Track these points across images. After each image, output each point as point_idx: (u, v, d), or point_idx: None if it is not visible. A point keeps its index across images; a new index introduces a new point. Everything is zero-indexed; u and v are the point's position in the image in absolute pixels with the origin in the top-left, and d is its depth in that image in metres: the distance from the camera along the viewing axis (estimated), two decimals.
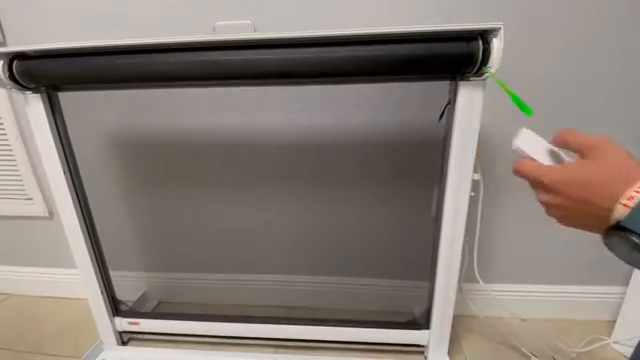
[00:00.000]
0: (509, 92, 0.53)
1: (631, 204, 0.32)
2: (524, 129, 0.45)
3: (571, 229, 0.40)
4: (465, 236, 0.76)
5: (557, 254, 0.99)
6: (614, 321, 0.97)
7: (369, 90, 0.82)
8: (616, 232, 0.34)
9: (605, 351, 0.93)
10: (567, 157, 0.42)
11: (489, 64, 0.58)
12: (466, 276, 0.89)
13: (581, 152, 0.39)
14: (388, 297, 1.02)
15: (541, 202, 0.42)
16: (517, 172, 0.43)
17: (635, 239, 0.32)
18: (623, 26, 0.78)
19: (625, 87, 0.83)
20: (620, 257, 0.36)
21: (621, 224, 0.33)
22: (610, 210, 0.34)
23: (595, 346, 0.91)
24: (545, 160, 0.43)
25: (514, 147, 0.45)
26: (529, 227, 0.97)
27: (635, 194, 0.33)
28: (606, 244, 0.36)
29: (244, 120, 0.88)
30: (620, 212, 0.33)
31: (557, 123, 0.60)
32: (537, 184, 0.41)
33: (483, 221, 0.83)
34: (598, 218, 0.35)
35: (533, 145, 0.44)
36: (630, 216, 0.33)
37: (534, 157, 0.43)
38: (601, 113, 0.85)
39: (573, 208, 0.38)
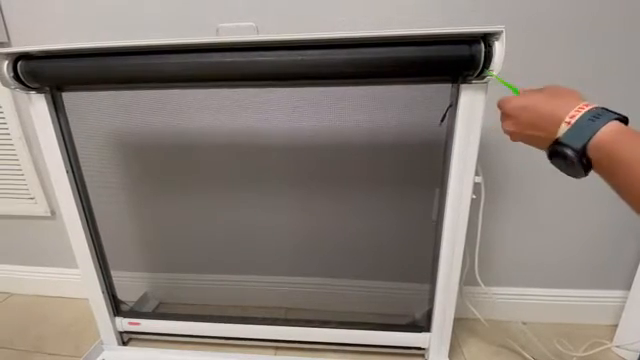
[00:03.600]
0: (515, 91, 0.53)
1: (572, 121, 0.40)
2: None
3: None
4: (466, 239, 0.76)
5: (559, 257, 0.99)
6: (616, 325, 0.96)
7: (371, 92, 0.82)
8: (554, 147, 0.42)
9: (606, 355, 0.93)
10: None
11: (491, 67, 0.59)
12: (467, 279, 0.89)
13: None
14: (389, 299, 1.02)
15: (504, 129, 0.51)
16: (498, 105, 0.53)
17: (567, 151, 0.39)
18: (629, 23, 0.78)
19: (631, 84, 0.82)
20: (561, 170, 0.43)
21: (559, 139, 0.41)
22: (552, 131, 0.41)
23: (596, 350, 0.90)
24: None
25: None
26: (531, 230, 0.97)
27: (576, 113, 0.40)
28: (550, 160, 0.44)
29: (246, 121, 0.88)
30: (562, 129, 0.40)
31: None
32: (502, 113, 0.51)
33: (484, 224, 0.83)
34: (543, 138, 0.43)
35: None
36: (568, 132, 0.40)
37: None
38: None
39: (523, 132, 0.47)
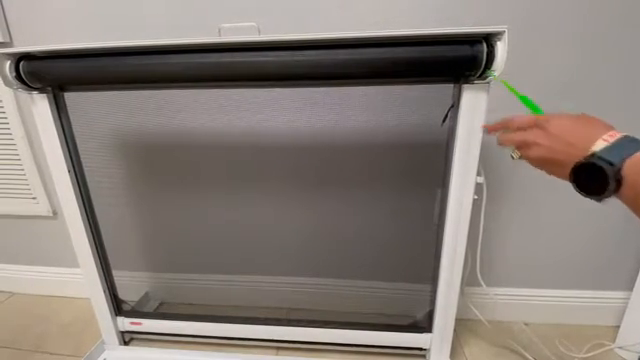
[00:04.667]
0: (517, 94, 0.53)
1: (611, 139, 0.41)
2: None
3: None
4: (468, 239, 0.75)
5: (561, 258, 0.99)
6: (618, 326, 0.96)
7: (372, 92, 0.82)
8: (586, 162, 0.41)
9: (608, 357, 0.93)
10: None
11: (493, 67, 0.59)
12: (469, 279, 0.89)
13: None
14: (390, 300, 1.02)
15: (526, 141, 0.50)
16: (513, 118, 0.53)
17: (603, 164, 0.39)
18: (632, 23, 0.78)
19: (632, 83, 0.82)
20: (585, 190, 0.43)
21: (597, 154, 0.41)
22: (584, 148, 0.42)
23: (598, 351, 0.90)
24: None
25: None
26: (532, 231, 0.97)
27: (615, 134, 0.41)
28: (575, 177, 0.44)
29: (248, 121, 0.88)
30: (599, 145, 0.41)
31: None
32: (532, 123, 0.50)
33: (486, 224, 0.83)
34: (571, 155, 0.43)
35: None
36: (606, 147, 0.41)
37: None
38: (610, 113, 0.84)
39: (551, 146, 0.46)
